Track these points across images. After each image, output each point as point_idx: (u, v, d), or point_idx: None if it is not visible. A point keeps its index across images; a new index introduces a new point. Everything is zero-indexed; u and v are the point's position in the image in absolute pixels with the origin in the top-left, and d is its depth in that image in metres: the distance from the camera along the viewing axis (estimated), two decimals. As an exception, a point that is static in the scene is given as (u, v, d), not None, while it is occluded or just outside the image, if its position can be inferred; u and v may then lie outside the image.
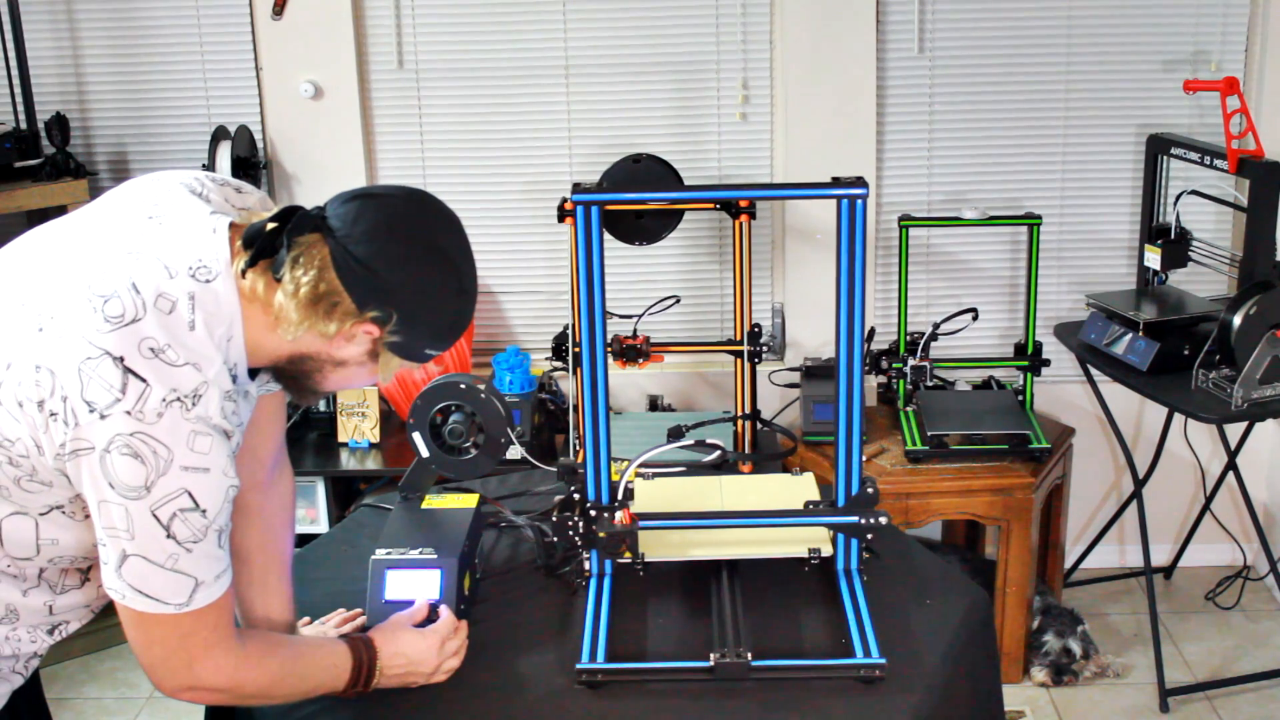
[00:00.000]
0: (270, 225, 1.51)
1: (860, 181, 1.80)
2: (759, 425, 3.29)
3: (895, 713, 1.70)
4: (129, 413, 1.40)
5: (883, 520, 1.93)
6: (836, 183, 1.80)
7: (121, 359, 1.41)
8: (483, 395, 2.10)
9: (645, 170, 3.26)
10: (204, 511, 1.45)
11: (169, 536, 1.43)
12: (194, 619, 1.49)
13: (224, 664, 1.53)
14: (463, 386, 2.11)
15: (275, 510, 1.86)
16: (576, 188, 1.89)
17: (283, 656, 1.63)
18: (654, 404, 3.69)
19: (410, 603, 1.84)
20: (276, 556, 1.85)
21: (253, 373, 1.60)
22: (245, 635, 1.59)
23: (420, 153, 3.65)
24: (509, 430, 2.11)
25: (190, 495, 1.43)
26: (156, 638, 1.50)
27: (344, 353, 1.58)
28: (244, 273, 1.51)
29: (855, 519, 1.94)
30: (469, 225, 1.63)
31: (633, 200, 3.08)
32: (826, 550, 1.98)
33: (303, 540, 2.19)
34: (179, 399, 1.42)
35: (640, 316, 3.29)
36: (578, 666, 1.76)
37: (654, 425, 3.44)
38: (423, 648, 1.75)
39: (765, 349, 3.22)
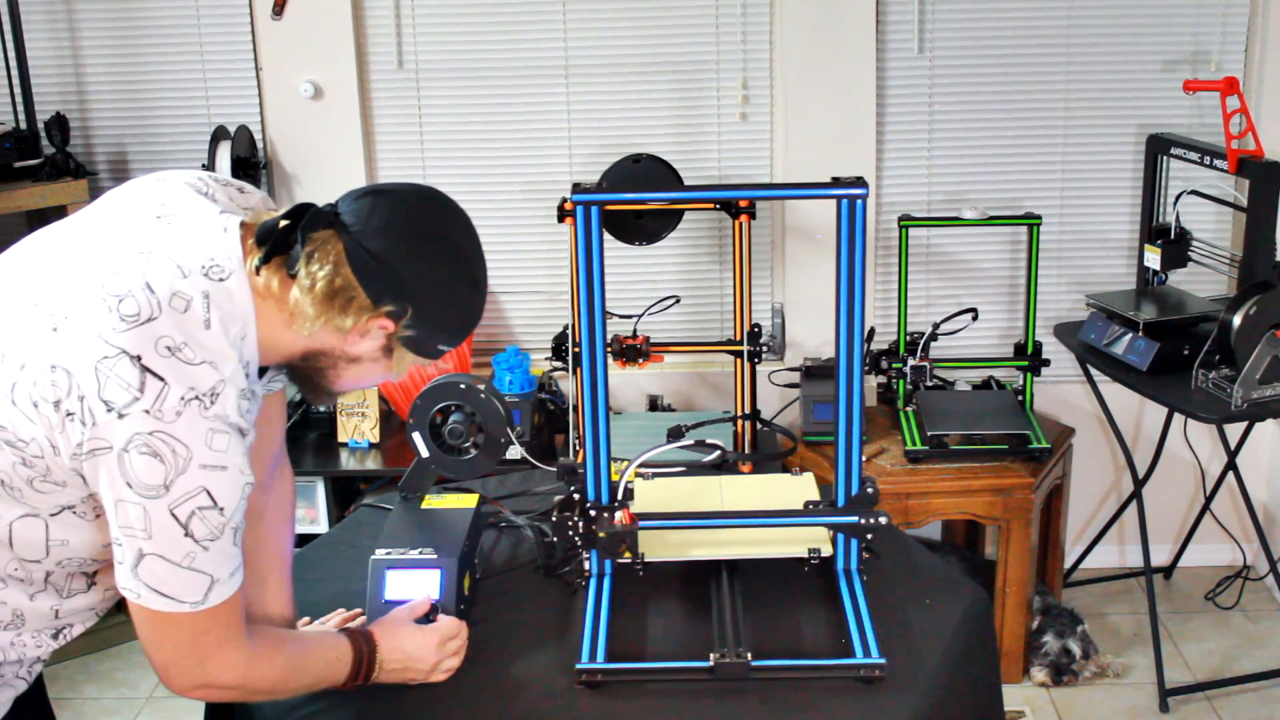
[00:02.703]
0: (283, 222, 1.51)
1: (860, 181, 1.80)
2: (759, 425, 3.29)
3: (895, 713, 1.70)
4: (148, 411, 1.40)
5: (883, 520, 1.93)
6: (836, 183, 1.80)
7: (139, 358, 1.41)
8: (483, 395, 2.10)
9: (645, 170, 3.26)
10: (222, 509, 1.45)
11: (187, 535, 1.43)
12: (208, 617, 1.49)
13: (236, 661, 1.53)
14: (463, 386, 2.11)
15: (275, 510, 1.86)
16: (576, 188, 1.90)
17: (289, 652, 1.63)
18: (654, 404, 3.69)
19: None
20: (276, 556, 1.85)
21: (260, 371, 1.60)
22: (254, 632, 1.58)
23: (420, 153, 3.65)
24: (509, 430, 2.11)
25: (209, 493, 1.43)
26: (170, 636, 1.50)
27: (358, 349, 1.58)
28: (258, 270, 1.51)
29: (855, 519, 1.94)
30: (469, 225, 1.64)
31: (633, 200, 3.08)
32: (826, 550, 1.98)
33: (303, 540, 2.19)
34: (197, 397, 1.42)
35: (640, 316, 3.29)
36: (578, 666, 1.76)
37: (654, 425, 3.43)
38: (422, 644, 1.75)
39: (765, 349, 3.22)
